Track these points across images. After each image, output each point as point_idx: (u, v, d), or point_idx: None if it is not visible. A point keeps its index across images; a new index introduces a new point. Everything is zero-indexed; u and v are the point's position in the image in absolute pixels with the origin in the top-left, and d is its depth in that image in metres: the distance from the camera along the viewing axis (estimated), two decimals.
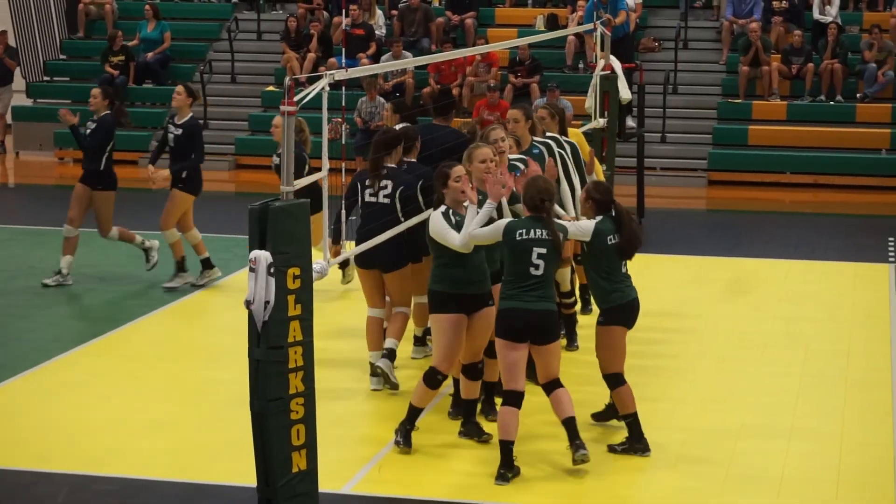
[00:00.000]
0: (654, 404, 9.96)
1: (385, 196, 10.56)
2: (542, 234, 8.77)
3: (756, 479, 8.94)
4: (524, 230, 8.77)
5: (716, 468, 9.10)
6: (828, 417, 10.23)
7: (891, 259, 16.24)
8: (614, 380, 9.30)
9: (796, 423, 10.05)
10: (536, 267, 8.75)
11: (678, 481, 8.91)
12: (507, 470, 8.77)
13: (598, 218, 9.19)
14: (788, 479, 8.93)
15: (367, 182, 10.66)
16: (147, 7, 25.88)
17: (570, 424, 8.92)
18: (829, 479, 8.95)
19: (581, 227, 9.23)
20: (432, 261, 9.35)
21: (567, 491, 8.72)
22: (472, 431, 9.53)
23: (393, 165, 10.65)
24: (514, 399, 8.82)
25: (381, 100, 22.70)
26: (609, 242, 9.12)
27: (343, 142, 15.55)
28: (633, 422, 9.33)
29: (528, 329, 8.77)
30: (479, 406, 9.79)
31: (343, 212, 10.95)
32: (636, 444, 9.33)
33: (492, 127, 10.39)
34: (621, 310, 9.23)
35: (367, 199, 10.63)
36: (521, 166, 9.98)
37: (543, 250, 8.74)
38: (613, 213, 9.23)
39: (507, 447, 8.77)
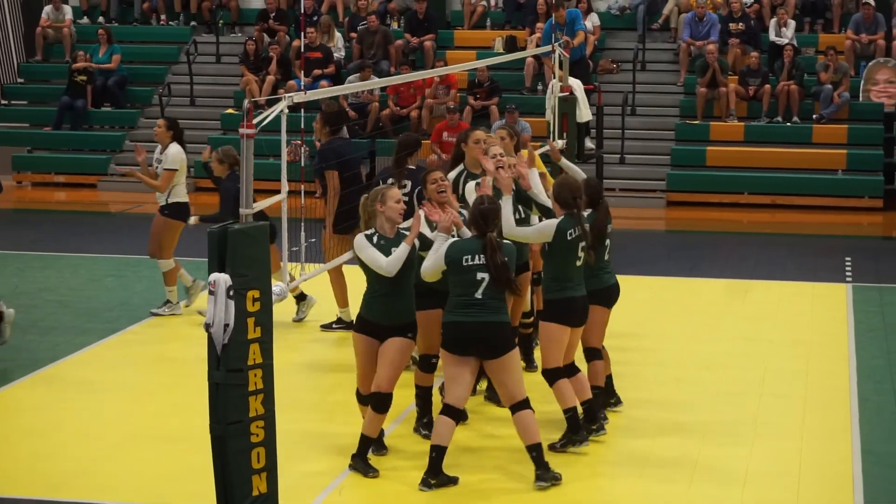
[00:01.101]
0: (611, 425, 9.97)
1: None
2: (579, 230, 9.38)
3: (716, 500, 8.97)
4: (571, 229, 9.27)
5: (676, 486, 9.12)
6: (787, 437, 10.27)
7: (848, 279, 16.35)
8: (592, 353, 10.03)
9: (755, 443, 10.08)
10: (580, 259, 9.43)
11: (639, 499, 8.93)
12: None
13: (588, 211, 9.74)
14: (748, 500, 8.96)
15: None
16: (100, 31, 25.80)
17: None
18: (788, 500, 8.98)
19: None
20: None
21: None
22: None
23: (413, 167, 10.75)
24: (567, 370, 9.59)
25: None
26: None
27: (302, 164, 15.50)
28: (598, 394, 9.99)
29: (583, 312, 9.51)
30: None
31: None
32: (603, 410, 10.11)
33: (490, 145, 10.49)
34: (597, 294, 9.83)
35: None
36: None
37: (584, 243, 9.40)
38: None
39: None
